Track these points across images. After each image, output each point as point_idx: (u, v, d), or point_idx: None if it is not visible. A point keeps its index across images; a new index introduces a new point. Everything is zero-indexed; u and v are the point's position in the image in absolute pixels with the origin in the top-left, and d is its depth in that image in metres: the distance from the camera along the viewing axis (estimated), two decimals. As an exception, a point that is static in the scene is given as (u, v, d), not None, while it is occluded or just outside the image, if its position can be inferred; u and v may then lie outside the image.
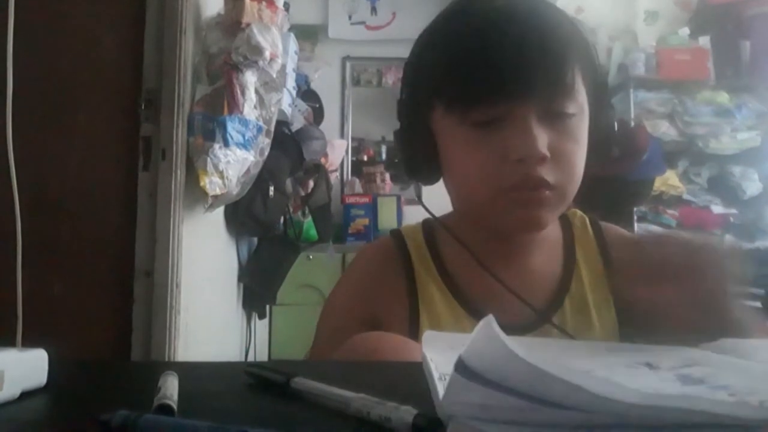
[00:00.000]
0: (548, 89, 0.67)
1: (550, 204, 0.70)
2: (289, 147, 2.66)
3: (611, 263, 0.79)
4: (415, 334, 0.76)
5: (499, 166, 0.68)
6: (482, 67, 0.67)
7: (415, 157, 0.76)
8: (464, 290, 0.78)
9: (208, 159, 1.83)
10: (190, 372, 0.47)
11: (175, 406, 0.38)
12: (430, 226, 0.84)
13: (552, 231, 0.80)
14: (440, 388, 0.35)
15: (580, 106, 0.70)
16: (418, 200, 0.80)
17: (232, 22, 1.97)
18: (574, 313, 0.76)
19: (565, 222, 0.84)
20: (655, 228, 3.20)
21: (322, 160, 3.16)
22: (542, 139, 0.67)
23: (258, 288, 2.80)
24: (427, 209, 0.81)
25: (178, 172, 1.78)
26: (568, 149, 0.69)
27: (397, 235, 0.85)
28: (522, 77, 0.66)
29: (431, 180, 0.78)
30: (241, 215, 2.43)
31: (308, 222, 3.12)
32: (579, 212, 0.86)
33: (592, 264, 0.80)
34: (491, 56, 0.67)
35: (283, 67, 2.20)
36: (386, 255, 0.82)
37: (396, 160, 0.80)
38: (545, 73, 0.67)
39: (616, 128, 0.77)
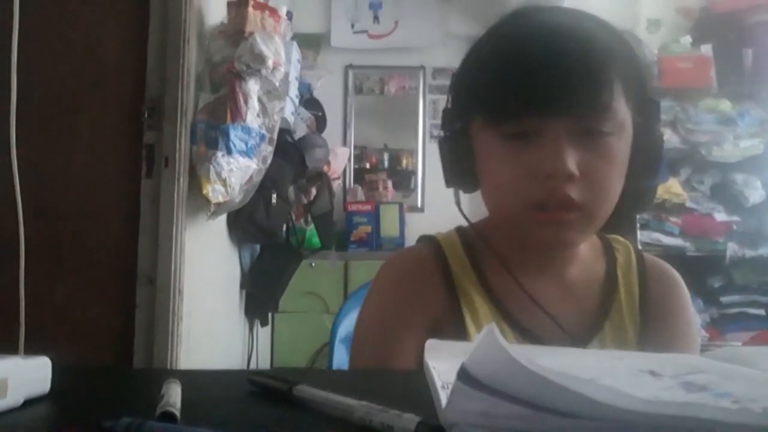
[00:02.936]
0: (582, 107, 0.67)
1: (576, 226, 0.70)
2: (291, 155, 2.66)
3: (648, 309, 0.79)
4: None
5: (528, 181, 0.68)
6: (516, 81, 0.68)
7: (454, 165, 0.78)
8: (506, 304, 0.77)
9: (211, 167, 1.83)
10: (192, 379, 0.47)
11: (178, 414, 0.38)
12: (466, 235, 0.83)
13: (591, 249, 0.81)
14: (443, 396, 0.35)
15: (619, 125, 0.69)
16: (457, 207, 0.81)
17: (235, 31, 1.98)
18: (614, 338, 0.75)
19: (606, 244, 0.84)
20: (657, 236, 3.20)
21: (325, 167, 3.16)
22: (572, 156, 0.67)
23: (260, 295, 2.80)
24: (465, 217, 0.82)
25: (181, 179, 1.78)
26: (601, 169, 0.68)
27: (432, 242, 0.82)
28: (554, 94, 0.66)
29: (469, 189, 0.79)
30: (244, 223, 2.43)
31: (311, 229, 3.12)
32: (622, 239, 0.85)
33: (631, 295, 0.80)
34: (526, 71, 0.67)
35: (286, 75, 2.20)
36: (421, 263, 0.80)
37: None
38: (579, 91, 0.67)
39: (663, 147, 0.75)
